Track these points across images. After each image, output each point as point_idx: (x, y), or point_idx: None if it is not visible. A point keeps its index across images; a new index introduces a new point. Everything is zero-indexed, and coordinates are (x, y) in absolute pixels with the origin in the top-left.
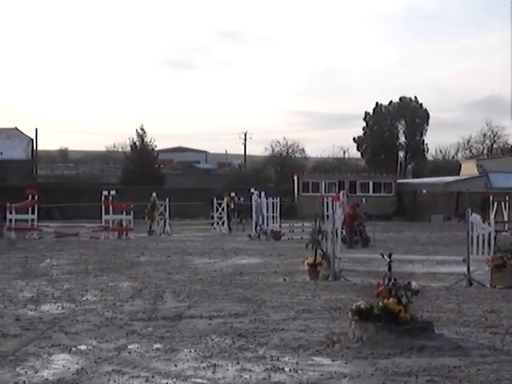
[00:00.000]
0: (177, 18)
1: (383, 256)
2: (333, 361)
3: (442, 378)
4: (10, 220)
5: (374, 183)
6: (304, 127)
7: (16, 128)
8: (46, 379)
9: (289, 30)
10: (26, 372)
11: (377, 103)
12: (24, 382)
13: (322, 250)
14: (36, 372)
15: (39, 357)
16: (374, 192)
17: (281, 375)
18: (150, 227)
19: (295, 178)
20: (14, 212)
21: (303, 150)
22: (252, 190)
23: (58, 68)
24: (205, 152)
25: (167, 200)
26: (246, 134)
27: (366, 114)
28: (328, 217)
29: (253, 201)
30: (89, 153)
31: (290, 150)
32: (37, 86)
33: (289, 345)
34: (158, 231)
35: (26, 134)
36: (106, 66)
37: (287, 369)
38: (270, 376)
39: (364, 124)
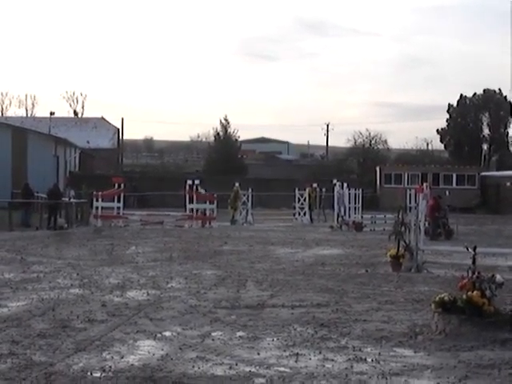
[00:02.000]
0: (261, 9)
1: (467, 249)
2: (415, 352)
3: None
4: (97, 208)
5: (457, 175)
6: (387, 119)
7: (102, 118)
8: (132, 365)
9: (373, 20)
10: (112, 357)
11: (461, 95)
12: (110, 367)
13: (405, 242)
14: (122, 357)
15: (125, 342)
16: (457, 184)
17: (363, 366)
18: (233, 217)
19: (377, 169)
20: (100, 200)
21: (386, 141)
22: (334, 180)
23: (144, 58)
24: (287, 143)
25: (250, 190)
26: (328, 125)
27: (450, 106)
28: (410, 209)
29: (335, 192)
30: (173, 142)
31: (373, 142)
32: (123, 77)
33: (371, 335)
34: (240, 221)
35: (113, 123)
36: (192, 56)
37: (369, 359)
38: (352, 366)
39: (448, 116)
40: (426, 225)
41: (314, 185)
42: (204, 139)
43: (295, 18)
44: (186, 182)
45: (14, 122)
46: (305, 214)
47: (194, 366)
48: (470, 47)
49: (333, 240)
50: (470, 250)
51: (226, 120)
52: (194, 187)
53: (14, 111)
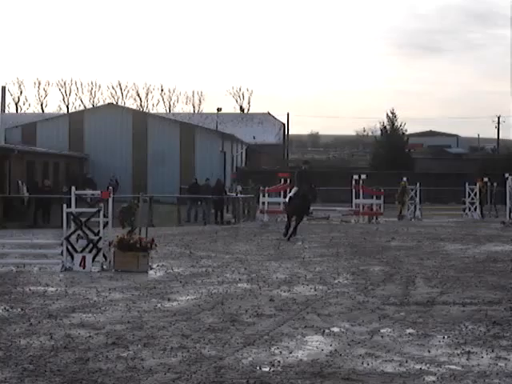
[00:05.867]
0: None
1: None
2: None
3: None
4: (263, 203)
5: None
6: None
7: (268, 113)
8: (301, 360)
9: None
10: (280, 352)
11: None
12: (279, 361)
13: None
14: (290, 352)
15: (293, 337)
16: None
17: None
18: (401, 212)
19: None
20: (267, 195)
21: None
22: (506, 174)
23: (309, 53)
24: (456, 136)
25: (418, 184)
26: (499, 118)
27: None
28: None
29: (507, 186)
30: (339, 137)
31: None
32: (288, 72)
33: None
34: (408, 216)
35: (278, 118)
36: (356, 50)
37: None
38: None
39: None
40: None
41: (485, 179)
42: (370, 133)
43: (461, 8)
44: (352, 176)
45: (182, 119)
46: (475, 209)
47: (363, 363)
48: None
49: (505, 236)
50: None
51: (392, 113)
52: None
53: (182, 107)
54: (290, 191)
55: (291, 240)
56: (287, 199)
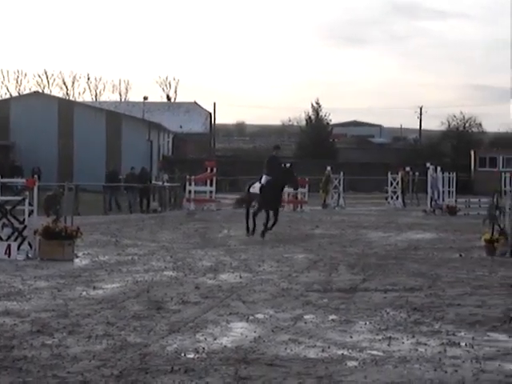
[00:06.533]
0: None
1: None
2: (509, 337)
3: None
4: (190, 192)
5: None
6: (481, 101)
7: (195, 102)
8: (225, 346)
9: (463, 2)
10: (205, 339)
11: None
12: (203, 348)
13: (500, 226)
14: (215, 339)
15: (218, 324)
16: None
17: (456, 350)
18: (325, 200)
19: (472, 152)
20: (193, 184)
21: (480, 124)
22: (427, 164)
23: (236, 42)
24: (379, 126)
25: (341, 174)
26: (421, 109)
27: None
28: (506, 192)
29: (428, 175)
30: (265, 126)
31: (467, 125)
32: (215, 61)
33: (465, 320)
34: (332, 204)
35: (205, 108)
36: (283, 40)
37: (463, 344)
38: (445, 350)
39: None
40: None
41: (407, 168)
42: (295, 123)
43: (386, 0)
44: None
45: (108, 107)
46: (397, 197)
47: (286, 349)
48: None
49: (426, 224)
50: None
51: (317, 103)
52: None
53: (108, 96)
54: (260, 179)
55: (265, 235)
56: (257, 189)
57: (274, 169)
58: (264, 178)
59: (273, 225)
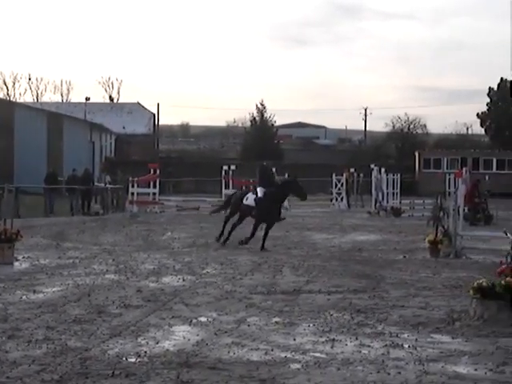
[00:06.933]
0: None
1: (506, 234)
2: (453, 338)
3: None
4: (133, 193)
5: (497, 160)
6: (426, 103)
7: (138, 103)
8: (167, 350)
9: (409, 3)
10: (147, 342)
11: (501, 78)
12: (145, 352)
13: (444, 227)
14: (157, 343)
15: (160, 328)
16: (497, 169)
17: (400, 352)
18: None
19: (416, 154)
20: (136, 186)
21: (425, 125)
22: (372, 165)
23: (179, 43)
24: (324, 127)
25: (286, 175)
26: (366, 110)
27: (491, 89)
28: (450, 193)
29: (373, 177)
30: (209, 128)
31: (412, 126)
32: (159, 62)
33: (408, 322)
34: None
35: (148, 108)
36: (227, 41)
37: (406, 345)
38: (388, 352)
39: (488, 100)
40: (465, 210)
41: (352, 170)
42: (240, 124)
43: (330, 1)
44: (221, 167)
45: (50, 108)
46: (342, 199)
47: (229, 352)
48: (509, 29)
49: (370, 226)
50: (508, 235)
51: (262, 105)
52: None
53: (50, 97)
54: (254, 191)
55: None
56: (251, 201)
57: (268, 179)
58: (260, 190)
59: (263, 239)
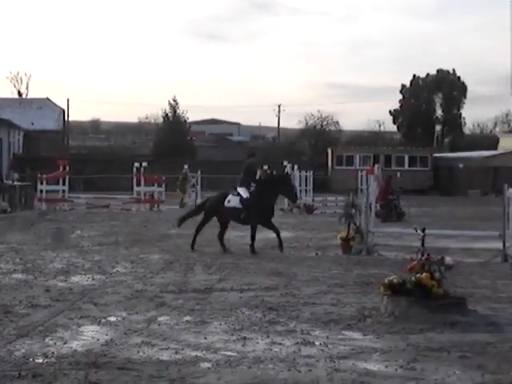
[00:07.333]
0: None
1: (416, 230)
2: (364, 335)
3: (475, 354)
4: (41, 191)
5: (409, 157)
6: (339, 100)
7: (47, 98)
8: (75, 350)
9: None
10: (55, 343)
11: (414, 75)
12: (53, 352)
13: (356, 224)
14: (65, 343)
15: (68, 328)
16: (409, 166)
17: (311, 349)
18: (182, 199)
19: (329, 151)
20: (44, 183)
21: (338, 123)
22: (285, 162)
23: (89, 37)
24: (238, 124)
25: (199, 172)
26: (279, 107)
27: (403, 86)
28: (362, 190)
29: None
30: (121, 124)
31: (325, 123)
32: (69, 57)
33: (320, 319)
34: (189, 203)
35: (58, 104)
36: (139, 35)
37: (317, 343)
38: (300, 350)
39: (400, 97)
40: (378, 207)
41: (265, 167)
42: (153, 120)
43: None
44: (133, 164)
45: None
46: None
47: (138, 352)
48: (422, 27)
49: (283, 223)
50: (419, 231)
51: (174, 101)
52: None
53: None
54: (236, 192)
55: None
56: (234, 203)
57: (253, 178)
58: (243, 191)
59: (278, 240)
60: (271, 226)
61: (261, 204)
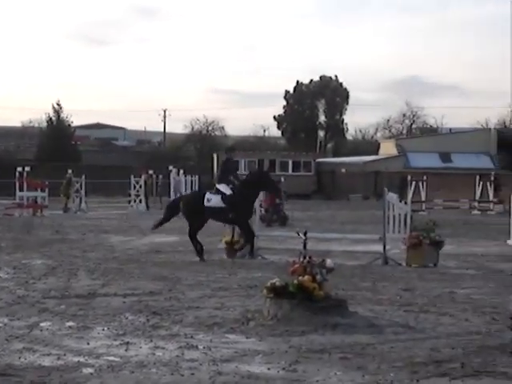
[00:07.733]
0: None
1: (298, 234)
2: (247, 338)
3: (355, 355)
4: None
5: (293, 162)
6: (224, 105)
7: None
8: None
9: (206, 6)
10: None
11: (297, 82)
12: None
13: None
14: None
15: None
16: (293, 171)
17: (194, 353)
18: (66, 205)
19: (215, 155)
20: None
21: (223, 128)
22: (170, 167)
23: None
24: (123, 129)
25: (83, 177)
26: (165, 111)
27: (287, 92)
28: None
29: (171, 178)
30: (3, 128)
31: (210, 128)
32: None
33: (203, 323)
34: (73, 209)
35: None
36: (22, 38)
37: (201, 346)
38: (183, 353)
39: (284, 102)
40: (262, 211)
41: (150, 171)
42: (36, 125)
43: (128, 2)
44: (15, 169)
45: None
46: (140, 201)
47: (20, 357)
48: (307, 33)
49: (169, 228)
50: (300, 235)
51: (58, 105)
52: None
53: None
54: (214, 189)
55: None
56: (216, 202)
57: (232, 174)
58: (223, 187)
59: (250, 242)
60: (246, 227)
61: (246, 201)
